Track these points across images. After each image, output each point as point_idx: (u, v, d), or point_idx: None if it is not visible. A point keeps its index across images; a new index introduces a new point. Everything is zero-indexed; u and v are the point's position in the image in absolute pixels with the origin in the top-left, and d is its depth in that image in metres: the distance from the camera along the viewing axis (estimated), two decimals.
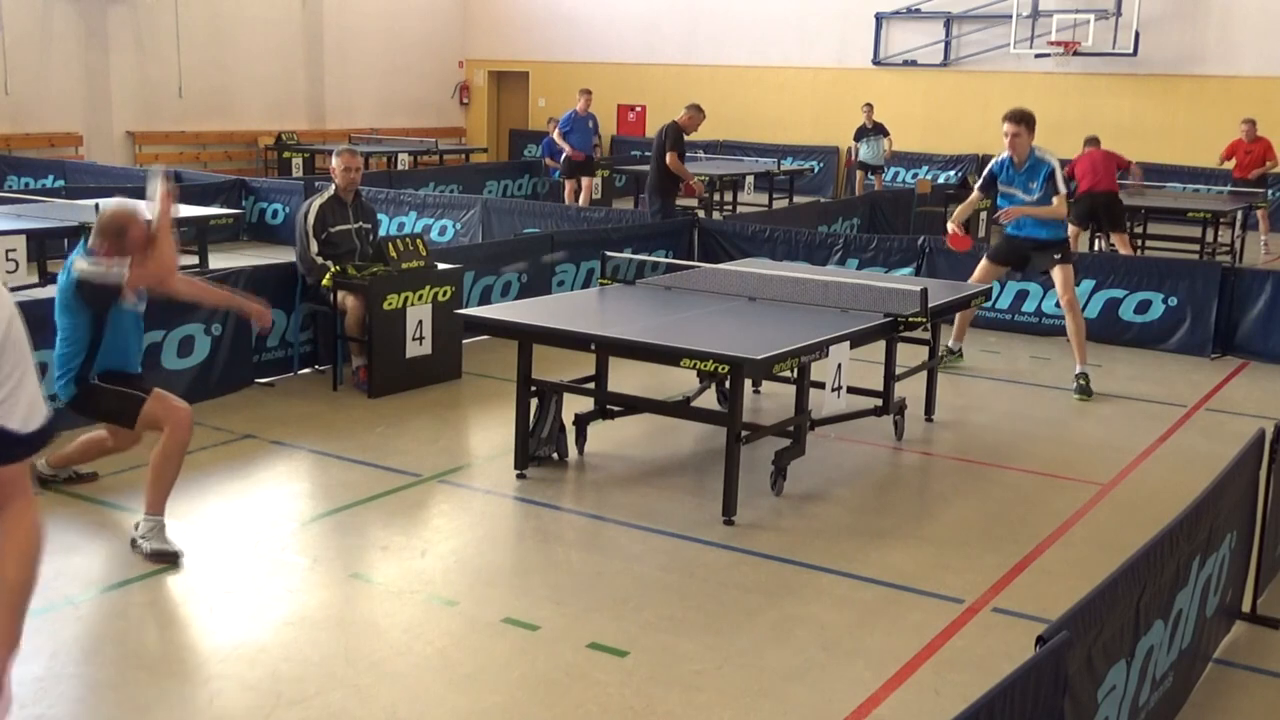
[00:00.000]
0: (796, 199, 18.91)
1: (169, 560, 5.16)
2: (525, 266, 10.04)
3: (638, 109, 25.31)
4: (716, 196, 17.06)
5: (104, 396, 5.48)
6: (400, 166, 19.76)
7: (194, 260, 11.09)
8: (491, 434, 7.31)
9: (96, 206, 9.75)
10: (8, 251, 8.91)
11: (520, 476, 6.41)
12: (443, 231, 13.89)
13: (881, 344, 6.96)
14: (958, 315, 9.00)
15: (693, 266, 8.87)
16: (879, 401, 7.16)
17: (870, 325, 6.51)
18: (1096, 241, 13.63)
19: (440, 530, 5.79)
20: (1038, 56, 21.04)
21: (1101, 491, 6.52)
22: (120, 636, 4.54)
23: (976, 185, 8.89)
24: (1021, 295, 10.60)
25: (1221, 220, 14.22)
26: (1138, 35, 20.06)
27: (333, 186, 8.36)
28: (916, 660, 4.51)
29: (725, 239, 11.96)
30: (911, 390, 7.61)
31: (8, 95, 18.93)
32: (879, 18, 22.61)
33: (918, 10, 22.23)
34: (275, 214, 14.81)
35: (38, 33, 19.27)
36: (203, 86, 21.53)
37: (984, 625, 4.85)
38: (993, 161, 8.80)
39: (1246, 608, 4.86)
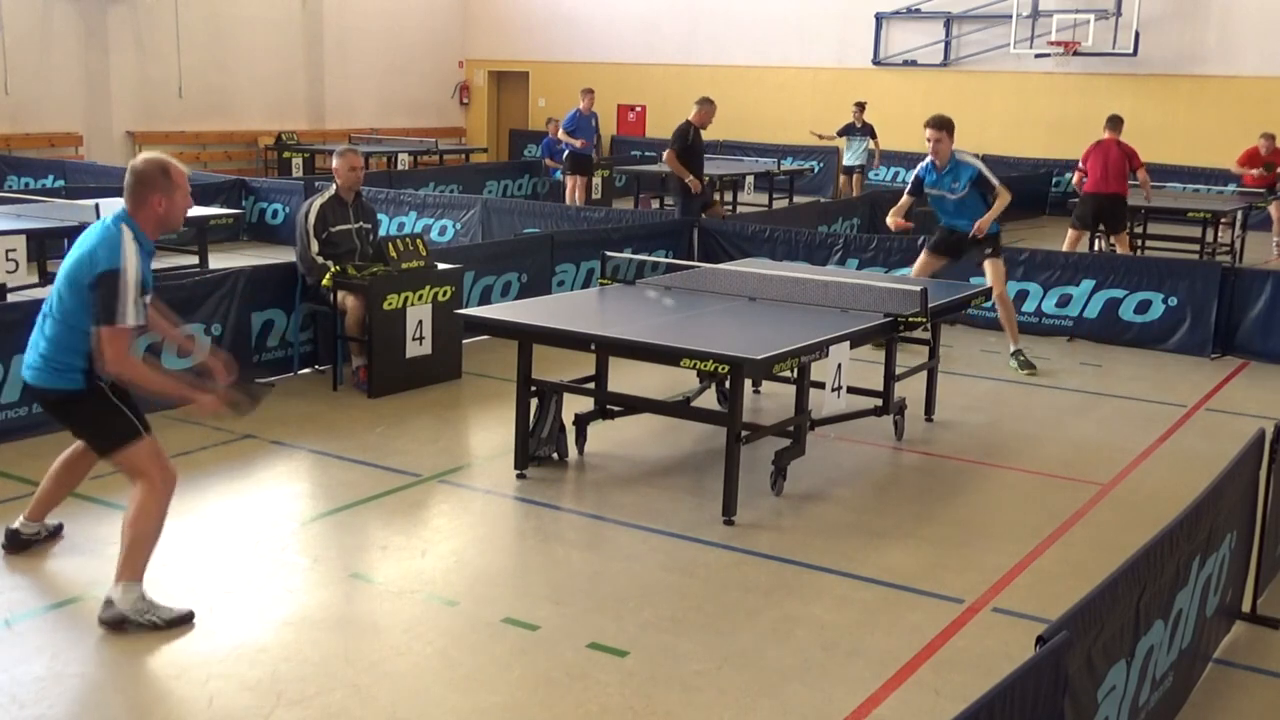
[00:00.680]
0: (796, 199, 18.91)
1: (186, 622, 4.63)
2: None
3: (638, 109, 25.31)
4: (716, 196, 17.03)
5: (107, 409, 4.71)
6: (400, 166, 19.77)
7: (194, 260, 11.11)
8: (491, 434, 7.31)
9: (97, 207, 9.82)
10: (8, 251, 8.91)
11: (520, 476, 6.41)
12: (443, 231, 13.89)
13: (881, 344, 6.97)
14: (1005, 320, 9.31)
15: (693, 266, 8.87)
16: (879, 401, 7.16)
17: (870, 325, 6.51)
18: (1097, 241, 13.62)
19: (440, 530, 5.79)
20: (1038, 56, 21.04)
21: (1101, 491, 6.52)
22: (120, 636, 4.53)
23: (906, 190, 9.28)
24: (1021, 295, 10.60)
25: (1221, 220, 14.22)
26: (1138, 35, 20.06)
27: (333, 186, 8.36)
28: (916, 660, 4.51)
29: (725, 239, 11.97)
30: (911, 390, 7.61)
31: (8, 95, 18.94)
32: (879, 18, 22.61)
33: (918, 10, 22.24)
34: (275, 214, 14.81)
35: (38, 33, 19.27)
36: (203, 86, 21.53)
37: (984, 625, 4.85)
38: (919, 167, 9.18)
39: (1246, 608, 4.86)
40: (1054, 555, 5.61)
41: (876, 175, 22.19)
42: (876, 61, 22.79)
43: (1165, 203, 14.67)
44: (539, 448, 6.57)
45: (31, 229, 9.52)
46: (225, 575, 5.14)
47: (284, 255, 10.20)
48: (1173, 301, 10.09)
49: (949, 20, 22.06)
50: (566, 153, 17.04)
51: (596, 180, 17.33)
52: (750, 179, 17.75)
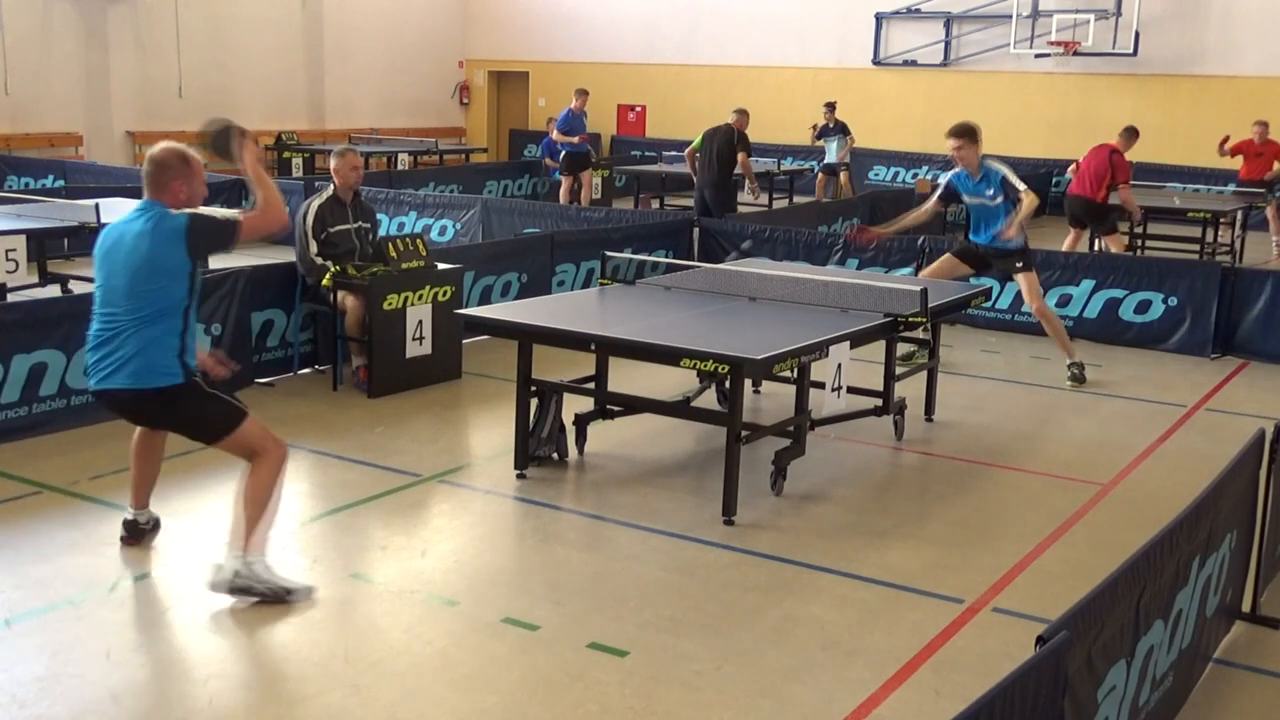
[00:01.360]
0: (796, 199, 18.91)
1: (304, 597, 4.78)
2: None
3: (638, 109, 25.31)
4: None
5: (207, 397, 4.83)
6: (400, 166, 19.77)
7: None
8: (491, 434, 7.31)
9: (97, 207, 9.83)
10: (8, 251, 8.91)
11: (520, 476, 6.41)
12: (443, 231, 13.89)
13: (882, 344, 6.97)
14: (1053, 333, 8.97)
15: (693, 266, 8.87)
16: (879, 401, 7.16)
17: (870, 325, 6.51)
18: (1096, 242, 13.61)
19: (440, 530, 5.79)
20: (1038, 56, 21.04)
21: (1101, 491, 6.52)
22: (120, 636, 4.54)
23: (935, 196, 9.00)
24: (1021, 295, 10.58)
25: (1221, 220, 14.21)
26: (1138, 35, 20.06)
27: (331, 186, 8.36)
28: (916, 660, 4.51)
29: (725, 239, 11.97)
30: (911, 390, 7.61)
31: (8, 95, 18.94)
32: (879, 18, 22.61)
33: (918, 10, 22.24)
34: None
35: (38, 33, 19.27)
36: (203, 86, 21.52)
37: (984, 625, 4.85)
38: (949, 175, 8.97)
39: (1246, 607, 4.86)
40: (1054, 555, 5.61)
41: (877, 175, 22.20)
42: (876, 61, 22.79)
43: (1165, 203, 14.67)
44: (539, 448, 6.57)
45: (31, 229, 9.51)
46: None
47: (284, 255, 10.20)
48: (1173, 301, 10.08)
49: (949, 20, 22.06)
50: (564, 154, 17.03)
51: (596, 180, 17.32)
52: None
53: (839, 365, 6.07)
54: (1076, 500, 6.35)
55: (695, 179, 13.76)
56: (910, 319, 6.67)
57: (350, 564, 5.33)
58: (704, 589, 5.10)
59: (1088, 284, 10.39)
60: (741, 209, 17.30)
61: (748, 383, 7.48)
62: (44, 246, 10.27)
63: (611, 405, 6.91)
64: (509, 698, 4.17)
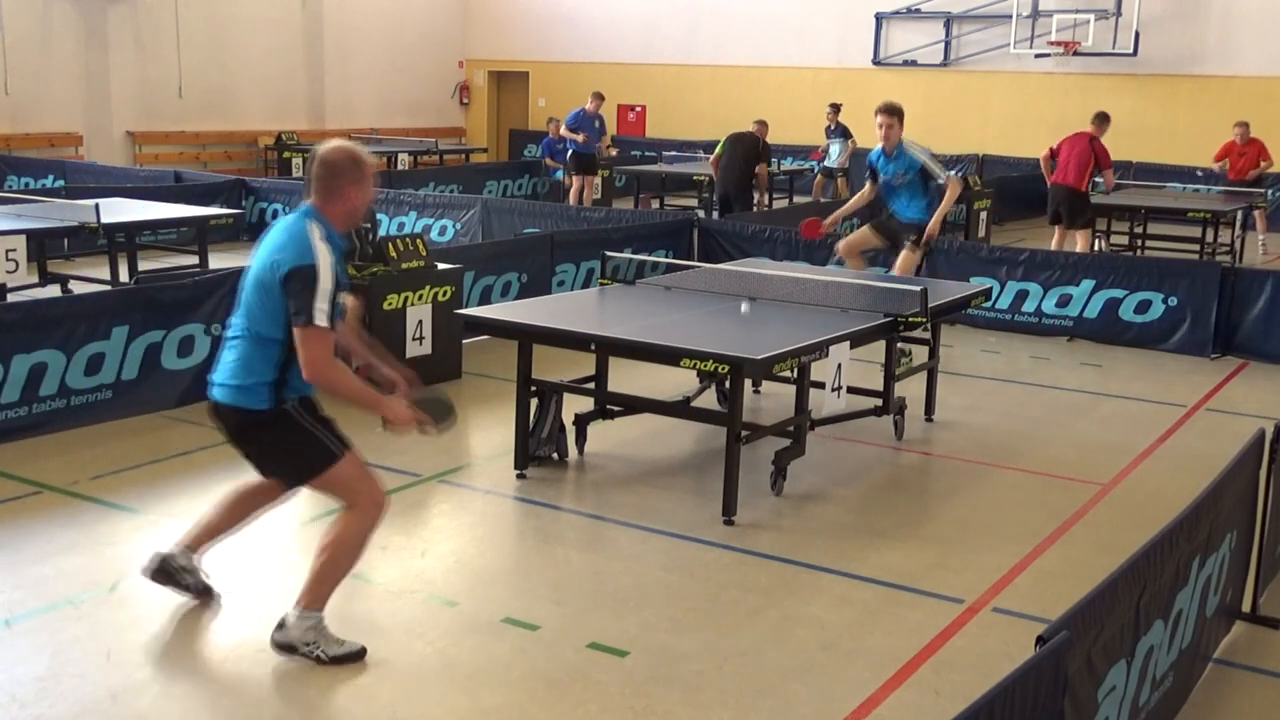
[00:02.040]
0: (796, 199, 18.90)
1: (355, 659, 4.36)
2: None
3: (638, 109, 25.31)
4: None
5: (295, 434, 4.28)
6: (400, 166, 19.76)
7: (194, 260, 11.11)
8: (491, 434, 7.31)
9: (97, 207, 9.83)
10: (8, 251, 8.91)
11: (520, 476, 6.41)
12: (443, 231, 13.89)
13: (882, 344, 6.97)
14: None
15: (693, 266, 8.87)
16: (879, 401, 7.16)
17: (870, 325, 6.51)
18: (1098, 242, 13.60)
19: (440, 530, 5.79)
20: (1038, 56, 21.04)
21: (1101, 491, 6.52)
22: (120, 636, 4.53)
23: (868, 179, 9.29)
24: (1021, 295, 10.61)
25: (1221, 220, 14.21)
26: (1138, 35, 20.06)
27: None
28: (916, 660, 4.51)
29: (725, 239, 11.97)
30: (911, 390, 7.61)
31: (8, 95, 18.94)
32: (879, 18, 22.61)
33: (918, 10, 22.23)
34: (275, 214, 14.80)
35: (38, 33, 19.27)
36: (203, 86, 21.53)
37: (984, 625, 4.85)
38: (870, 154, 9.20)
39: (1246, 607, 4.86)
40: (1054, 555, 5.61)
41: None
42: (876, 61, 22.79)
43: (1165, 203, 14.67)
44: (539, 448, 6.57)
45: (31, 229, 9.52)
46: (225, 575, 5.13)
47: None
48: (1173, 301, 10.08)
49: (949, 20, 22.06)
50: (570, 153, 16.99)
51: (597, 180, 17.34)
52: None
53: (839, 365, 6.07)
54: (1076, 500, 6.35)
55: (716, 180, 14.54)
56: (910, 319, 6.67)
57: None
58: (704, 589, 5.10)
59: (1088, 284, 10.39)
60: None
61: (748, 383, 7.48)
62: (44, 246, 10.28)
63: (611, 405, 6.91)
64: (509, 698, 4.17)
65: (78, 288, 9.85)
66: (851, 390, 6.53)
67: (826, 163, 19.11)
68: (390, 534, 5.69)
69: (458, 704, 4.13)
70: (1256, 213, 15.58)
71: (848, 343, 6.18)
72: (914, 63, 22.48)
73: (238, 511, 4.77)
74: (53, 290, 9.93)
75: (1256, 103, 18.97)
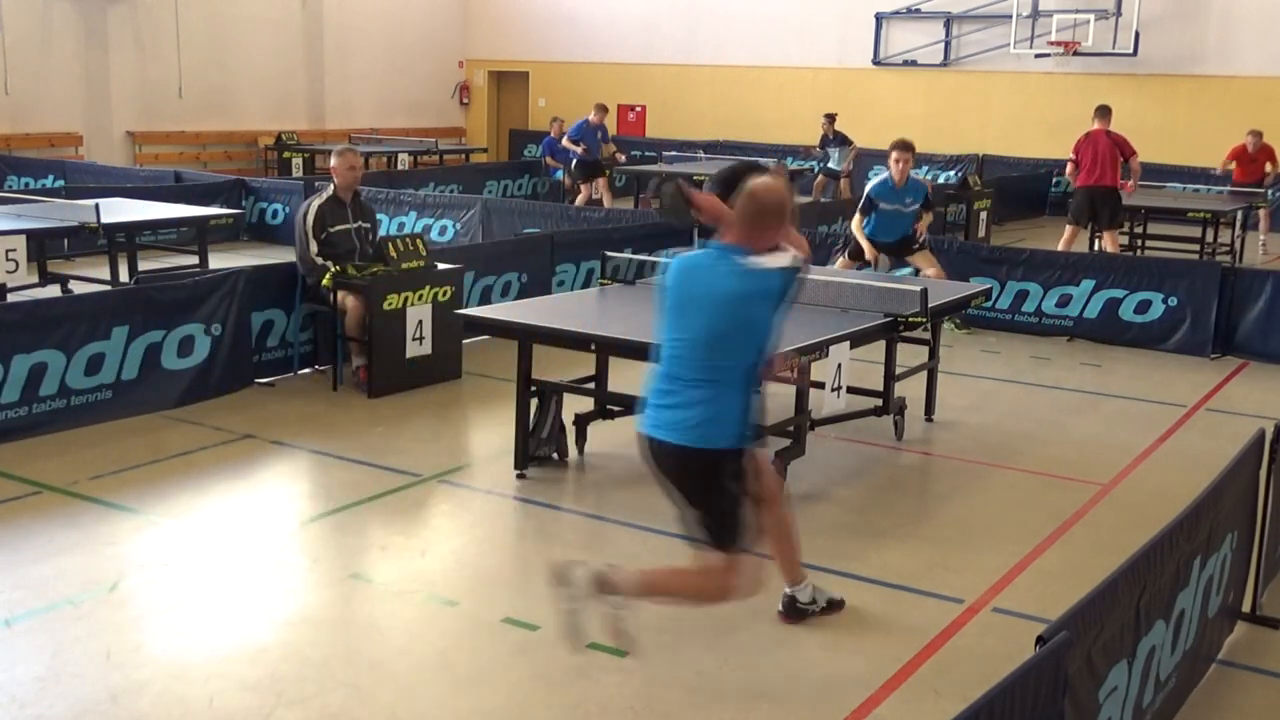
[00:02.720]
0: (797, 199, 18.88)
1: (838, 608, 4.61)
2: None
3: (638, 109, 25.31)
4: None
5: (737, 490, 4.10)
6: (400, 166, 19.76)
7: (194, 260, 11.11)
8: (491, 434, 7.30)
9: (97, 208, 9.82)
10: (8, 251, 8.91)
11: (520, 476, 6.40)
12: (443, 231, 13.89)
13: (881, 344, 6.97)
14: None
15: None
16: (879, 401, 7.16)
17: (870, 325, 6.51)
18: (1096, 242, 13.61)
19: (440, 530, 5.79)
20: (1038, 56, 21.03)
21: (1101, 491, 6.52)
22: (120, 636, 4.54)
23: (860, 211, 10.12)
24: (1021, 295, 10.61)
25: (1221, 220, 14.21)
26: (1138, 35, 20.05)
27: (331, 186, 8.36)
28: (916, 660, 4.51)
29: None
30: (911, 390, 7.61)
31: (8, 95, 18.93)
32: (879, 18, 22.61)
33: (918, 10, 22.23)
34: (275, 214, 14.81)
35: (38, 33, 19.27)
36: (203, 86, 21.52)
37: (984, 625, 4.85)
38: (872, 185, 10.12)
39: (1247, 608, 4.86)
40: (1054, 555, 5.61)
41: (877, 175, 22.15)
42: (876, 61, 22.78)
43: (1165, 203, 14.67)
44: (539, 448, 6.56)
45: (31, 229, 9.51)
46: (225, 575, 5.14)
47: (284, 255, 10.20)
48: (1173, 301, 10.08)
49: (949, 20, 22.05)
50: (575, 161, 17.10)
51: (602, 181, 17.36)
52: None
53: (839, 365, 6.07)
54: (1076, 500, 6.35)
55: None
56: (910, 319, 6.67)
57: (350, 564, 5.33)
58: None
59: (1088, 284, 10.38)
60: None
61: None
62: (44, 246, 10.28)
63: (611, 405, 6.91)
64: (509, 698, 4.17)
65: (78, 288, 9.85)
66: (851, 390, 6.53)
67: (829, 164, 19.11)
68: (390, 534, 5.70)
69: (458, 704, 4.13)
70: (1259, 212, 15.60)
71: (848, 343, 6.18)
72: (914, 63, 22.47)
73: (784, 539, 4.69)
74: (53, 290, 9.92)
75: (1256, 103, 18.97)
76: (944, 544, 5.72)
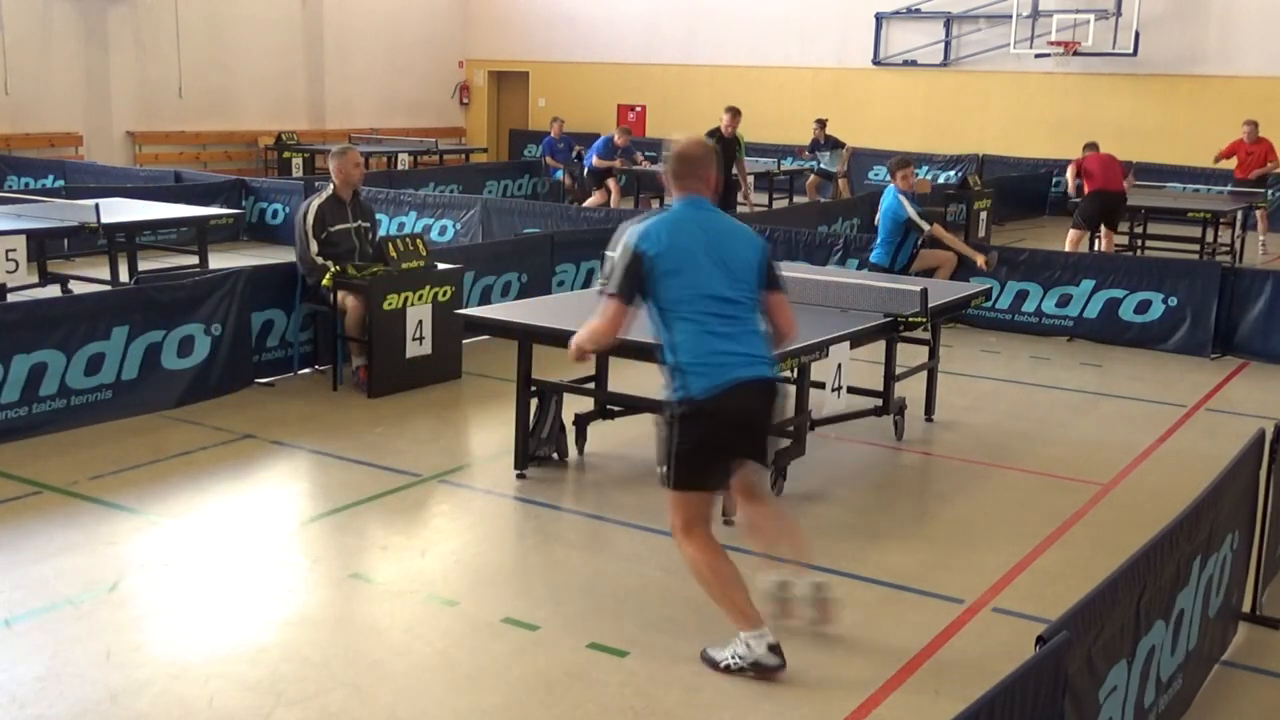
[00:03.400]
0: (796, 199, 18.90)
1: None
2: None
3: (638, 109, 25.30)
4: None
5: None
6: (400, 166, 19.76)
7: (194, 260, 11.11)
8: (491, 434, 7.30)
9: (97, 207, 9.82)
10: (8, 251, 8.91)
11: (520, 476, 6.40)
12: (443, 231, 13.89)
13: (882, 344, 6.97)
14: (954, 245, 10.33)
15: None
16: (879, 401, 7.16)
17: (870, 325, 6.51)
18: (1096, 242, 13.62)
19: (440, 530, 5.79)
20: (1038, 56, 21.03)
21: (1101, 491, 6.52)
22: (120, 636, 4.54)
23: (922, 219, 9.98)
24: (1021, 295, 10.60)
25: (1221, 220, 14.21)
26: (1138, 35, 20.05)
27: (331, 186, 8.36)
28: (916, 660, 4.51)
29: None
30: (911, 390, 7.61)
31: (8, 95, 18.93)
32: (879, 18, 22.60)
33: (918, 10, 22.23)
34: (275, 214, 14.81)
35: (38, 33, 19.27)
36: (203, 86, 21.52)
37: (984, 625, 4.85)
38: (909, 203, 9.95)
39: (1247, 608, 4.86)
40: (1054, 555, 5.61)
41: (877, 176, 22.19)
42: (876, 61, 22.78)
43: (1165, 203, 14.67)
44: (539, 448, 6.57)
45: (31, 229, 9.51)
46: (225, 575, 5.14)
47: (284, 255, 10.20)
48: (1173, 301, 10.08)
49: (949, 20, 22.05)
50: (587, 170, 17.19)
51: (611, 184, 17.40)
52: (750, 179, 17.71)
53: (839, 365, 6.07)
54: (1076, 500, 6.35)
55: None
56: (910, 319, 6.67)
57: (350, 564, 5.33)
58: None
59: (1088, 284, 10.38)
60: (741, 208, 17.36)
61: None
62: (44, 246, 10.27)
63: (611, 405, 6.91)
64: (509, 698, 4.17)
65: (78, 288, 9.85)
66: (851, 390, 6.53)
67: (825, 165, 19.10)
68: (390, 534, 5.70)
69: (458, 704, 4.13)
70: (1258, 213, 15.60)
71: (848, 343, 6.18)
72: (914, 63, 22.47)
73: (763, 534, 4.85)
74: (53, 290, 9.92)
75: (1257, 103, 18.96)
76: (944, 544, 5.72)
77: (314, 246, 8.12)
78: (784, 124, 23.09)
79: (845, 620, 4.83)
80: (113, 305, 7.30)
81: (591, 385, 6.86)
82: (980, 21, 21.56)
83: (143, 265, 10.98)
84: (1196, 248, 14.09)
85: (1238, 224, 14.33)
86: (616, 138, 17.17)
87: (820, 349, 5.97)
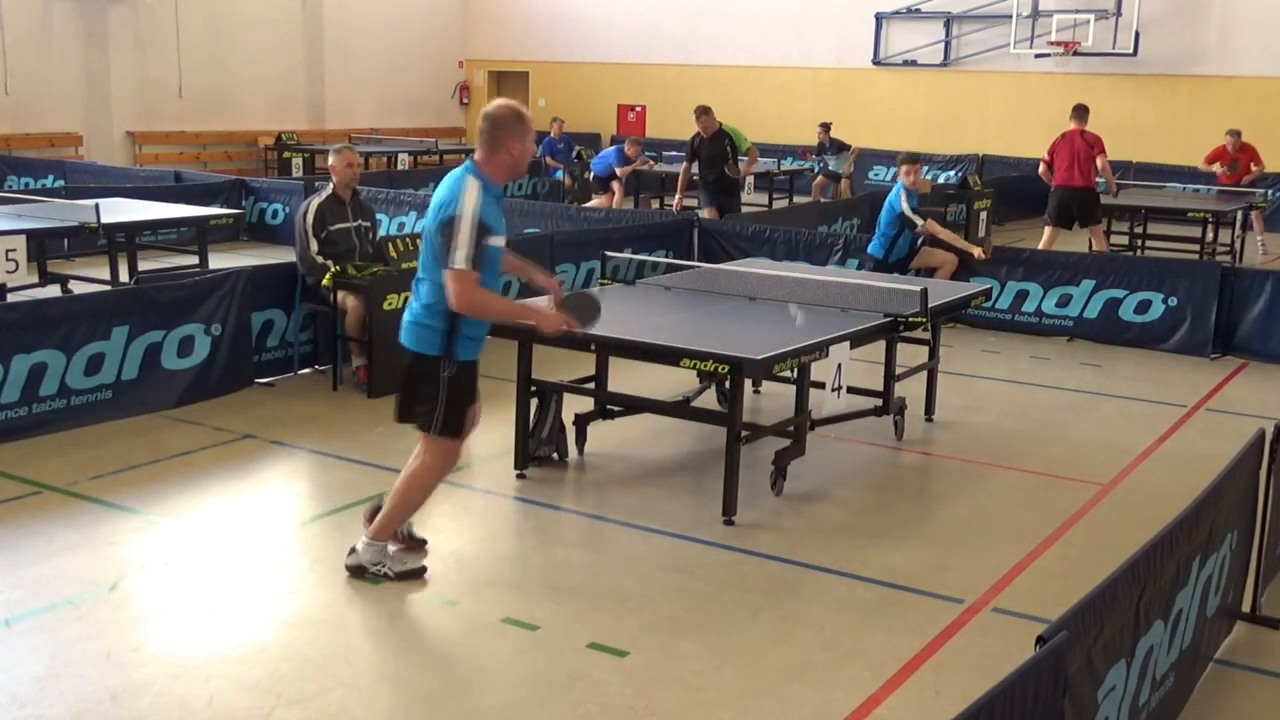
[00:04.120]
0: (796, 199, 18.91)
1: (417, 576, 5.07)
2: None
3: (638, 109, 25.32)
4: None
5: (452, 393, 5.05)
6: (400, 166, 19.76)
7: (194, 260, 11.11)
8: (491, 434, 7.28)
9: (97, 207, 9.82)
10: (8, 251, 8.90)
11: (520, 476, 6.41)
12: None
13: (882, 344, 6.97)
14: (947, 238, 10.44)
15: (693, 266, 8.87)
16: (879, 401, 7.16)
17: (870, 325, 6.51)
18: (1092, 242, 13.59)
19: (440, 530, 5.79)
20: (1038, 56, 21.04)
21: (1101, 491, 6.52)
22: (120, 636, 4.54)
23: (915, 215, 10.22)
24: (1021, 295, 10.60)
25: (1221, 220, 14.21)
26: (1138, 35, 20.06)
27: (330, 185, 8.36)
28: (916, 660, 4.51)
29: (725, 239, 11.96)
30: (911, 390, 7.61)
31: (8, 95, 18.94)
32: (879, 18, 22.61)
33: (918, 10, 22.24)
34: (275, 214, 14.81)
35: (38, 33, 19.28)
36: (203, 86, 21.53)
37: (984, 625, 4.85)
38: (909, 198, 10.17)
39: (1246, 608, 4.86)
40: (1054, 555, 5.61)
41: (877, 176, 22.20)
42: (876, 61, 22.79)
43: (1165, 203, 14.67)
44: (539, 448, 6.57)
45: (31, 229, 9.51)
46: (225, 575, 5.14)
47: (284, 255, 10.20)
48: (1173, 301, 10.08)
49: (949, 20, 22.06)
50: (593, 176, 17.23)
51: (614, 183, 17.42)
52: (750, 179, 17.70)
53: (839, 365, 6.07)
54: (1076, 500, 6.35)
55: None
56: (910, 319, 6.67)
57: None
58: (704, 589, 5.10)
59: (1088, 284, 10.38)
60: (741, 208, 17.36)
61: (748, 383, 7.47)
62: (44, 246, 10.27)
63: (611, 405, 6.91)
64: (509, 698, 4.17)
65: (78, 288, 9.85)
66: (851, 390, 6.53)
67: (831, 166, 19.11)
68: None
69: (458, 704, 4.13)
70: (1254, 214, 15.59)
71: (848, 343, 6.18)
72: (914, 63, 22.48)
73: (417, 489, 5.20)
74: (53, 290, 9.92)
75: (1256, 103, 18.99)
76: (944, 544, 5.72)
77: (314, 245, 8.12)
78: (784, 124, 23.10)
79: (845, 620, 4.84)
80: (113, 305, 7.30)
81: (591, 385, 6.86)
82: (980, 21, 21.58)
83: (143, 265, 10.97)
84: (1196, 248, 14.09)
85: (1237, 224, 14.32)
86: (627, 148, 17.21)
87: (820, 349, 5.97)
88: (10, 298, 9.20)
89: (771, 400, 7.96)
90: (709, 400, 7.47)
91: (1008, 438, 7.57)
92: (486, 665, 4.40)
